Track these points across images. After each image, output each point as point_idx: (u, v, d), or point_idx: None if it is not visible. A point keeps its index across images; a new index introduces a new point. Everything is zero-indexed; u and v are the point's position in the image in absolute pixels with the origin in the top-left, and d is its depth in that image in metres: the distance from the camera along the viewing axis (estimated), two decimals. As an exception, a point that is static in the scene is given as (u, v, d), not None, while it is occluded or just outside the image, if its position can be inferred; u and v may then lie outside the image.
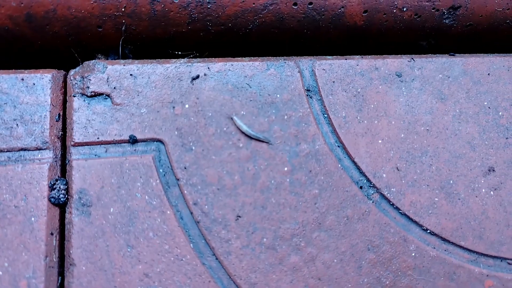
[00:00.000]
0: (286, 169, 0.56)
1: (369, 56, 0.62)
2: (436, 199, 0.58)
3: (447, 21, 0.66)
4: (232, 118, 0.56)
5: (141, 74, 0.57)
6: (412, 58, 0.63)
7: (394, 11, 0.63)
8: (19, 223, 0.51)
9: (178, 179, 0.54)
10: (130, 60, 0.57)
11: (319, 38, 0.64)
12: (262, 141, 0.56)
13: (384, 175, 0.58)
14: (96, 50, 0.60)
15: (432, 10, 0.64)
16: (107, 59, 0.60)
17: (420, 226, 0.58)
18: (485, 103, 0.63)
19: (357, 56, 0.62)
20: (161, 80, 0.57)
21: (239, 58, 0.60)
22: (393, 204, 0.57)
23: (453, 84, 0.63)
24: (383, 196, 0.58)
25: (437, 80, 0.63)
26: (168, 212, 0.54)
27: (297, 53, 0.64)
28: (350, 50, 0.67)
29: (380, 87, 0.61)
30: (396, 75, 0.62)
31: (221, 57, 0.59)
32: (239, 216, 0.54)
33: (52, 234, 0.51)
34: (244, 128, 0.56)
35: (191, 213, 0.54)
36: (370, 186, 0.58)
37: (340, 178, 0.57)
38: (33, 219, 0.51)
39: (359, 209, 0.57)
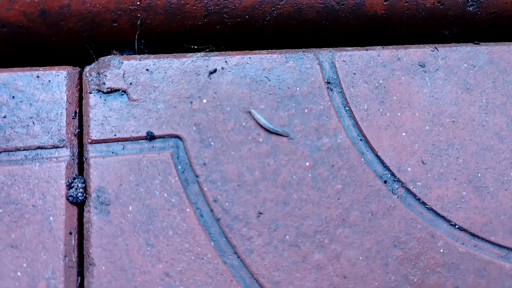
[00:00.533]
0: (307, 164, 0.55)
1: (391, 47, 0.60)
2: (464, 193, 0.56)
3: (471, 9, 0.63)
4: (250, 112, 0.54)
5: (157, 69, 0.55)
6: (435, 48, 0.61)
7: (416, -1, 0.61)
8: (37, 222, 0.50)
9: (197, 176, 0.53)
10: (146, 55, 0.56)
11: (339, 29, 0.62)
12: (281, 135, 0.54)
13: (409, 169, 0.56)
14: (111, 46, 0.59)
15: (456, -3, 0.62)
16: (122, 54, 0.59)
17: (448, 221, 0.55)
18: (513, 92, 0.61)
19: (378, 47, 0.60)
20: (178, 75, 0.55)
21: (257, 51, 0.58)
22: (419, 199, 0.56)
23: (479, 73, 0.61)
24: (408, 190, 0.56)
25: (462, 70, 0.60)
26: (188, 209, 0.52)
27: (316, 45, 0.62)
28: (370, 41, 0.65)
29: (402, 78, 0.59)
30: (419, 65, 0.60)
31: (238, 50, 0.58)
32: (261, 213, 0.53)
33: (70, 233, 0.51)
34: (263, 121, 0.54)
35: (211, 210, 0.53)
36: (394, 180, 0.56)
37: (364, 173, 0.55)
38: (51, 218, 0.50)
39: (384, 204, 0.55)
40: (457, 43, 0.62)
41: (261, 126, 0.55)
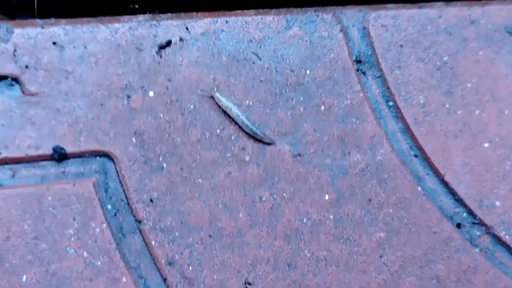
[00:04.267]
0: (327, 197, 0.40)
1: (459, 2, 0.44)
2: None
3: None
4: (213, 97, 0.39)
5: (71, 42, 0.40)
6: (528, 4, 0.46)
7: None
8: None
9: (139, 221, 0.38)
10: (52, 20, 0.41)
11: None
12: (262, 141, 0.39)
13: (498, 204, 0.41)
14: None
15: None
16: (13, 19, 0.43)
17: None
18: None
19: (439, 3, 0.44)
20: (107, 52, 0.41)
21: (239, 11, 0.43)
22: (516, 254, 0.40)
23: None
24: (497, 239, 0.40)
25: None
26: (124, 279, 0.37)
27: (334, 2, 0.46)
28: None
29: (480, 53, 0.44)
30: (507, 32, 0.44)
31: (208, 11, 0.41)
32: (249, 283, 0.38)
33: None
34: (234, 112, 0.38)
35: (164, 280, 0.37)
36: (474, 223, 0.41)
37: (422, 211, 0.40)
38: None
39: (458, 264, 0.39)
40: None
41: (242, 129, 0.39)
